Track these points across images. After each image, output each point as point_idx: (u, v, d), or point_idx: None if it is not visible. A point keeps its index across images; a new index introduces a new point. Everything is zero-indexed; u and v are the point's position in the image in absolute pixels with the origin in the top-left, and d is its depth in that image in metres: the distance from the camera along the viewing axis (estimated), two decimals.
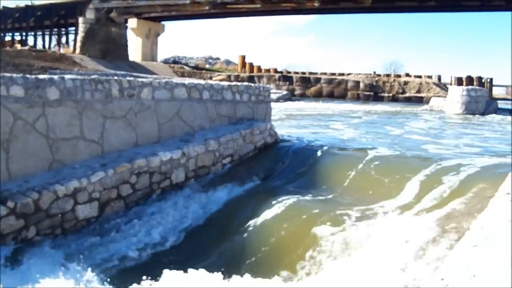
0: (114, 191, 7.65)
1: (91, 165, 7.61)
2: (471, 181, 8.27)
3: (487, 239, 3.81)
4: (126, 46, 53.24)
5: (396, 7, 45.94)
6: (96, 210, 7.40)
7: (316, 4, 43.11)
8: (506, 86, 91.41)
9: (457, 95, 32.06)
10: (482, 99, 32.47)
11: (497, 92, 63.13)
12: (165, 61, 65.15)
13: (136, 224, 7.48)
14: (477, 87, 35.33)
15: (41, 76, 7.32)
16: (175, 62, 67.16)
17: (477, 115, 30.15)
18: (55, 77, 7.38)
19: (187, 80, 11.49)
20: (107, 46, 48.94)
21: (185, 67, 59.04)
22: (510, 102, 48.56)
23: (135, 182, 7.99)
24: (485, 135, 16.82)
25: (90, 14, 48.44)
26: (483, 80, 44.87)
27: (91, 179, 7.24)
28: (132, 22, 55.24)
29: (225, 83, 11.22)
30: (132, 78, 8.97)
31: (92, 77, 8.11)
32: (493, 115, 31.20)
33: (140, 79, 9.13)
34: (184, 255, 6.99)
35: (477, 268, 3.24)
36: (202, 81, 11.74)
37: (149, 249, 7.04)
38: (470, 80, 44.85)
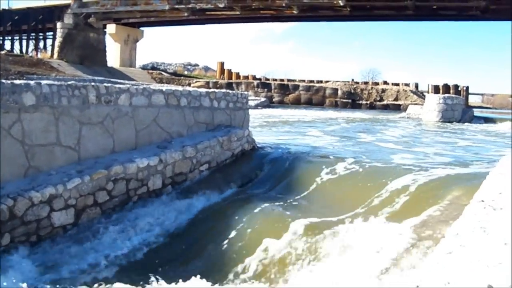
0: (91, 198, 7.61)
1: (67, 171, 7.55)
2: (446, 189, 8.34)
3: (462, 246, 3.83)
4: (105, 51, 53.05)
5: (375, 15, 46.39)
6: (72, 217, 7.34)
7: (295, 12, 43.36)
8: (481, 94, 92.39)
9: (434, 103, 32.36)
10: (458, 107, 32.79)
11: (473, 100, 63.85)
12: (144, 67, 65.03)
13: (112, 231, 7.42)
14: (453, 95, 35.75)
15: (17, 82, 7.26)
16: (153, 68, 67.05)
17: (453, 123, 30.46)
18: (31, 82, 7.32)
19: (165, 87, 11.47)
20: (85, 52, 48.69)
21: (163, 73, 59.04)
22: (485, 110, 49.03)
23: (112, 189, 7.95)
24: (459, 144, 16.94)
25: (68, 19, 48.17)
26: (459, 88, 45.44)
27: (67, 186, 7.18)
28: (111, 28, 55.06)
29: (203, 90, 11.22)
30: (109, 84, 8.92)
31: (69, 82, 8.07)
32: (469, 123, 31.55)
33: (117, 85, 9.10)
34: (159, 264, 6.96)
35: (451, 275, 3.27)
36: (180, 88, 11.74)
37: (124, 258, 6.98)
38: (446, 88, 45.42)
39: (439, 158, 11.73)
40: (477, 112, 39.51)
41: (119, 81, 21.95)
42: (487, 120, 35.50)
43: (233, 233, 7.50)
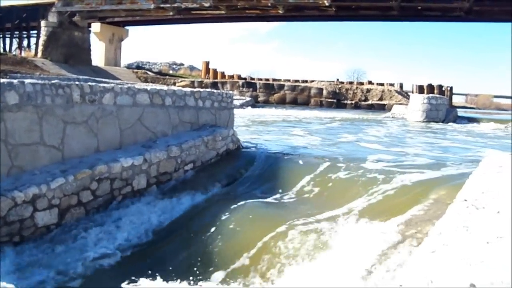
0: (75, 197, 7.56)
1: (51, 171, 7.50)
2: (429, 188, 8.40)
3: (445, 245, 3.86)
4: (89, 50, 52.83)
5: (360, 16, 46.50)
6: (56, 217, 7.29)
7: (281, 11, 43.41)
8: (465, 95, 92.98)
9: (418, 103, 32.51)
10: (442, 107, 32.96)
11: (456, 100, 64.19)
12: (129, 66, 64.85)
13: (97, 231, 7.39)
14: (437, 95, 35.89)
15: (0, 80, 7.20)
16: (138, 67, 66.88)
17: (437, 123, 30.63)
18: (15, 81, 7.26)
19: (150, 86, 11.43)
20: (70, 50, 48.46)
21: (148, 72, 58.85)
22: (469, 110, 49.37)
23: (96, 188, 7.91)
24: (441, 144, 17.01)
25: (52, 18, 47.91)
26: (443, 89, 45.64)
27: (51, 186, 7.13)
28: (96, 27, 54.78)
29: (188, 89, 11.19)
30: (94, 83, 8.87)
31: (53, 81, 8.00)
32: (452, 123, 31.74)
33: (102, 84, 9.06)
34: (144, 264, 6.94)
35: (434, 274, 3.30)
36: (165, 87, 11.71)
37: (109, 258, 6.95)
38: (431, 88, 45.59)
39: (421, 158, 11.77)
40: (461, 112, 39.77)
41: (103, 80, 21.87)
42: (470, 120, 35.73)
43: (217, 233, 7.51)
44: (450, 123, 31.54)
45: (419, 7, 40.86)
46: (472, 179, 6.55)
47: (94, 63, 53.39)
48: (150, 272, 6.40)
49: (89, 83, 8.71)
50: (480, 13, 40.46)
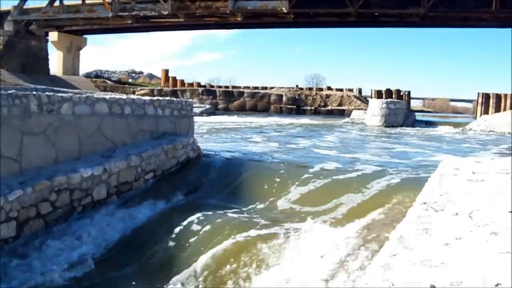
0: (33, 209, 7.43)
1: (8, 183, 7.36)
2: (389, 192, 8.52)
3: (405, 248, 3.90)
4: (47, 59, 52.21)
5: (318, 22, 46.97)
6: (14, 230, 7.15)
7: (239, 19, 43.56)
8: (423, 99, 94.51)
9: (376, 107, 32.90)
10: (400, 112, 33.41)
11: (414, 104, 65.12)
12: (87, 75, 64.38)
13: (56, 243, 7.27)
14: (396, 100, 36.44)
15: None
16: (97, 76, 66.49)
17: (395, 127, 31.03)
18: None
19: (108, 95, 11.34)
20: (27, 60, 47.83)
21: (107, 81, 58.55)
22: (426, 114, 50.05)
23: (55, 199, 7.78)
24: (396, 149, 17.19)
25: (8, 26, 47.21)
26: (401, 93, 46.30)
27: (8, 198, 6.99)
28: (53, 35, 54.28)
29: (147, 98, 11.13)
30: (51, 93, 8.75)
31: (9, 91, 7.87)
32: (411, 127, 32.20)
33: (60, 94, 8.94)
34: (104, 276, 6.86)
35: (395, 277, 3.33)
36: (124, 96, 11.61)
37: (68, 270, 6.85)
38: (389, 93, 46.25)
39: (373, 163, 11.91)
40: (419, 116, 40.45)
41: (62, 89, 21.59)
42: (428, 123, 36.33)
43: (178, 243, 7.46)
44: (409, 127, 32.00)
45: (376, 13, 41.43)
46: (431, 182, 6.64)
47: (52, 72, 52.84)
48: (108, 284, 6.33)
49: (47, 93, 8.59)
50: (435, 19, 41.25)
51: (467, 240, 3.93)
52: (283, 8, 40.46)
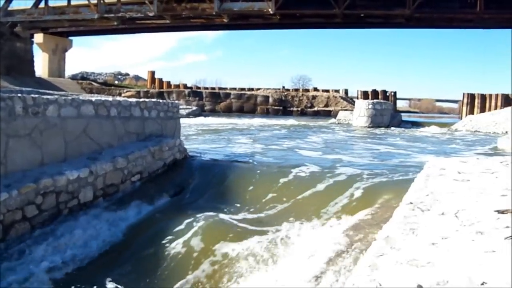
0: (19, 212, 7.36)
1: None
2: (376, 193, 8.55)
3: (392, 248, 3.92)
4: (32, 61, 51.93)
5: (304, 23, 47.04)
6: (0, 233, 7.12)
7: (226, 20, 43.56)
8: (409, 99, 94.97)
9: (363, 108, 33.00)
10: (387, 112, 33.53)
11: (400, 105, 65.35)
12: (73, 77, 64.06)
13: (42, 247, 7.21)
14: (382, 101, 36.57)
15: None
16: (83, 78, 66.15)
17: (382, 128, 31.14)
18: None
19: (94, 97, 11.29)
20: (12, 62, 47.49)
21: (93, 83, 58.34)
22: (413, 114, 50.31)
23: (41, 202, 7.72)
24: (380, 150, 17.19)
25: None
26: (387, 94, 46.49)
27: None
28: (38, 37, 53.97)
29: (133, 100, 11.10)
30: (37, 95, 8.69)
31: None
32: (397, 128, 32.32)
33: (45, 96, 8.87)
34: (90, 279, 6.83)
35: (382, 277, 3.34)
36: (110, 98, 11.57)
37: (54, 273, 6.79)
38: (375, 93, 46.43)
39: (359, 164, 11.96)
40: (405, 117, 40.64)
41: (47, 91, 21.50)
42: (414, 124, 36.54)
43: (166, 245, 7.43)
44: (395, 128, 32.12)
45: (362, 14, 41.57)
46: (417, 182, 6.68)
47: (37, 74, 52.56)
48: None
49: (32, 95, 8.52)
50: (420, 20, 41.45)
51: (453, 239, 3.95)
52: (269, 9, 40.51)
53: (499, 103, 43.21)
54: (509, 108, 33.68)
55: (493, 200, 5.11)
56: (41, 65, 55.93)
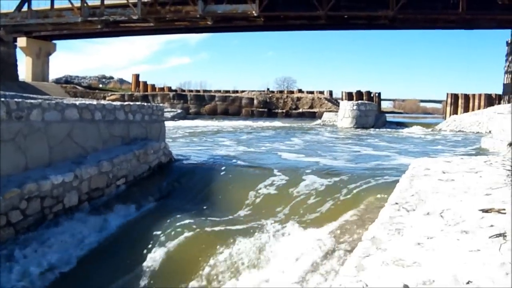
0: (3, 218, 7.30)
1: None
2: (361, 194, 8.59)
3: (378, 249, 3.93)
4: (16, 65, 51.56)
5: (288, 25, 47.05)
6: None
7: (210, 23, 43.51)
8: (393, 100, 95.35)
9: (347, 109, 33.13)
10: (371, 113, 33.68)
11: (385, 105, 65.63)
12: (57, 81, 63.68)
13: (26, 252, 7.16)
14: (366, 102, 36.74)
15: None
16: (67, 82, 65.85)
17: (366, 129, 31.27)
18: None
19: (79, 101, 11.21)
20: None
21: (77, 87, 58.04)
22: (397, 115, 50.64)
23: (26, 207, 7.66)
24: (360, 152, 17.18)
25: None
26: (372, 95, 46.75)
27: None
28: (22, 41, 53.60)
29: (118, 103, 11.05)
30: (20, 100, 8.63)
31: None
32: (381, 128, 32.46)
33: (29, 100, 8.81)
34: (75, 283, 6.79)
35: (369, 278, 3.35)
36: (94, 102, 11.51)
37: (39, 279, 6.75)
38: (360, 94, 46.66)
39: (349, 166, 12.00)
40: (389, 117, 40.82)
41: (31, 96, 21.31)
42: (399, 124, 36.73)
43: (152, 250, 7.42)
44: (379, 129, 32.26)
45: (346, 16, 41.65)
46: (402, 183, 6.70)
47: (21, 78, 52.25)
48: None
49: (16, 99, 8.46)
50: (404, 21, 41.63)
51: (439, 239, 3.97)
52: (253, 12, 40.52)
53: (482, 103, 43.62)
54: (492, 107, 33.95)
55: (477, 199, 5.14)
56: (24, 69, 55.63)
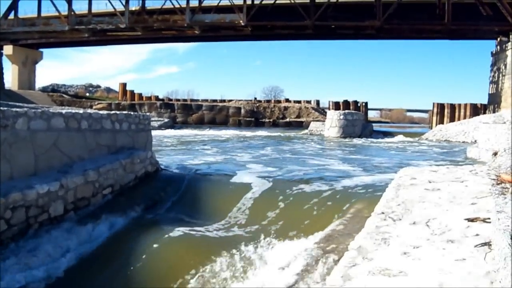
0: None
1: None
2: (347, 203, 8.60)
3: (364, 258, 3.93)
4: (2, 74, 51.43)
5: (275, 35, 47.27)
6: None
7: (197, 32, 43.64)
8: (379, 110, 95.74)
9: (334, 119, 33.22)
10: (358, 123, 33.77)
11: (372, 115, 65.82)
12: (44, 90, 63.55)
13: (10, 263, 7.08)
14: (353, 111, 36.91)
15: None
16: (54, 90, 65.69)
17: (353, 138, 31.36)
18: None
19: (65, 110, 11.17)
20: None
21: (64, 95, 57.91)
22: (384, 124, 50.88)
23: (10, 217, 7.58)
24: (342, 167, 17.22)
25: None
26: (359, 104, 46.98)
27: None
28: (8, 49, 53.47)
29: (104, 112, 11.01)
30: (6, 108, 8.58)
31: None
32: (368, 138, 32.54)
33: (14, 109, 8.76)
34: None
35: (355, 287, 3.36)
36: (81, 110, 11.47)
37: None
38: (346, 104, 46.89)
39: (338, 175, 12.01)
40: (376, 127, 40.95)
41: (17, 104, 21.24)
42: (385, 134, 36.83)
43: (138, 261, 7.38)
44: (366, 138, 32.35)
45: (333, 26, 41.91)
46: (388, 192, 6.71)
47: (7, 86, 52.11)
48: None
49: (1, 108, 8.41)
50: (390, 31, 42.01)
51: (425, 248, 3.98)
52: (241, 21, 40.72)
53: (468, 113, 43.96)
54: (478, 117, 34.14)
55: (463, 208, 5.16)
56: (10, 77, 55.49)
